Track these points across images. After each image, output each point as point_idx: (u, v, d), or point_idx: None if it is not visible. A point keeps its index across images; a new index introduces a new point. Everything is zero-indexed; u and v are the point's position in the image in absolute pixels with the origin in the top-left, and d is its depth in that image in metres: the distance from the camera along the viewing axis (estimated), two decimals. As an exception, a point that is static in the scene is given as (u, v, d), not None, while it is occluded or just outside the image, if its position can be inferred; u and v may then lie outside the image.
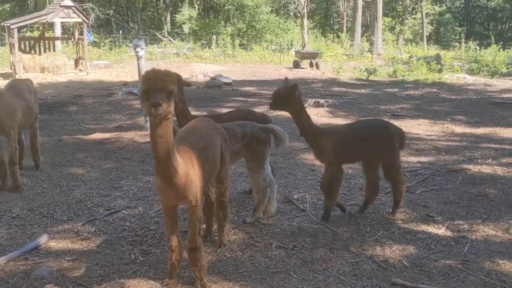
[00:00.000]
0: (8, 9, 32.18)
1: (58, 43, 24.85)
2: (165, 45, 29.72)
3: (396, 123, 10.47)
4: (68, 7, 19.48)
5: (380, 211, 5.48)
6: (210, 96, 14.43)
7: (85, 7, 30.35)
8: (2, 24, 20.27)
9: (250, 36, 32.95)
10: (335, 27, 44.60)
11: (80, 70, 20.08)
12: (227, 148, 4.40)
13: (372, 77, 19.43)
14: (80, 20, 20.04)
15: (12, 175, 6.21)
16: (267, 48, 30.36)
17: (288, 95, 4.80)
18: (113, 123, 10.72)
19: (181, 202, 3.74)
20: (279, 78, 19.93)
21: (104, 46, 28.30)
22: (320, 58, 26.51)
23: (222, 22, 31.81)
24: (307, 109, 12.03)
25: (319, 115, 11.03)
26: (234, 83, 16.85)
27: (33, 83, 7.21)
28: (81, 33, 20.41)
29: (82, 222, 5.18)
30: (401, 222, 5.19)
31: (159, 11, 36.96)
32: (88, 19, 20.99)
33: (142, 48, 8.56)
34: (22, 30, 29.22)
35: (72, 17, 19.83)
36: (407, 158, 7.66)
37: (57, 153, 7.92)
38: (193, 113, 11.56)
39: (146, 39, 31.10)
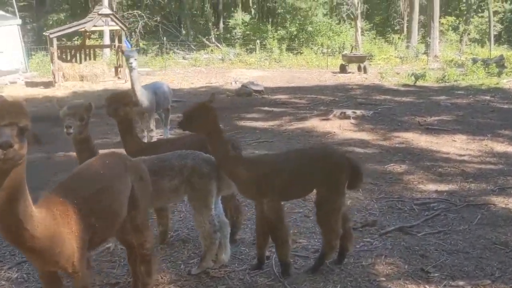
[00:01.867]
0: (63, 18, 33.04)
1: (107, 51, 25.11)
2: (212, 50, 29.32)
3: (428, 138, 9.31)
4: (106, 15, 19.43)
5: (363, 261, 4.42)
6: (235, 105, 13.63)
7: (133, 14, 30.69)
8: (44, 33, 20.61)
9: (301, 40, 31.86)
10: (396, 28, 42.44)
11: (118, 78, 19.98)
12: (144, 189, 3.55)
13: (420, 82, 17.86)
14: (118, 28, 19.97)
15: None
16: (316, 52, 29.13)
17: (200, 115, 3.91)
18: (119, 137, 10.09)
19: (52, 268, 2.94)
20: (319, 84, 18.86)
21: (151, 53, 28.31)
22: (370, 61, 25.06)
23: (270, 26, 30.96)
24: (331, 121, 10.61)
25: (341, 128, 9.90)
26: (266, 90, 15.96)
27: None
28: (120, 41, 20.34)
29: (10, 265, 4.53)
30: (384, 279, 4.11)
31: (207, 17, 36.75)
32: (126, 27, 20.92)
33: (136, 59, 7.93)
34: (74, 39, 29.92)
35: (110, 25, 19.75)
36: (424, 186, 6.46)
37: (38, 173, 7.39)
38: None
39: (193, 45, 31.00)
